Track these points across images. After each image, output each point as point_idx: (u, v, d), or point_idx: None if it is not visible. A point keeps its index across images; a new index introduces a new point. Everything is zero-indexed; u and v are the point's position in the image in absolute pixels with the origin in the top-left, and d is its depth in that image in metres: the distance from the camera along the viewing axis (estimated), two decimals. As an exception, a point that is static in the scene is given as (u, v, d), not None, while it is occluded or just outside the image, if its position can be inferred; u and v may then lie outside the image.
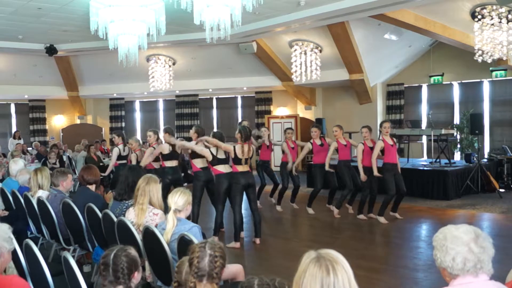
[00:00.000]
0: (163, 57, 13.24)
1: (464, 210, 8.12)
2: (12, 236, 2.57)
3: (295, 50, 11.41)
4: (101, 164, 10.88)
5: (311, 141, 7.87)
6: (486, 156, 11.34)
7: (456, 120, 12.62)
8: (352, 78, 12.33)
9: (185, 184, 9.01)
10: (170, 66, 13.36)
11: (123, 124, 17.65)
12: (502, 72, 11.55)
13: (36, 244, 3.07)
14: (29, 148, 14.27)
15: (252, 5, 5.90)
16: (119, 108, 17.69)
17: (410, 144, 11.54)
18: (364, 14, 9.19)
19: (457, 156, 12.22)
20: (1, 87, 14.53)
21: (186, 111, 16.93)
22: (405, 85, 13.77)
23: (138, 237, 3.55)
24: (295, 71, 11.33)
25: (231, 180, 6.08)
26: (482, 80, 12.33)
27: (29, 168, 6.42)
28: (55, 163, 11.08)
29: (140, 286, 3.29)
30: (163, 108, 17.79)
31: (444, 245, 1.90)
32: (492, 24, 8.54)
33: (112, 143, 10.26)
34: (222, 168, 6.16)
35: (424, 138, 12.32)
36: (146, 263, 3.55)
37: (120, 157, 8.10)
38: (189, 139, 7.17)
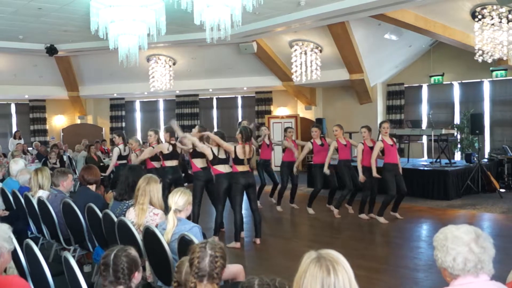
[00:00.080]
0: (163, 57, 13.25)
1: (465, 210, 8.12)
2: (12, 236, 2.57)
3: (295, 50, 11.41)
4: (101, 164, 10.89)
5: (312, 140, 7.87)
6: (486, 156, 11.34)
7: (457, 120, 12.62)
8: (352, 78, 12.33)
9: (186, 184, 9.01)
10: (170, 66, 13.37)
11: (124, 124, 17.65)
12: (503, 72, 11.54)
13: (37, 244, 3.07)
14: (30, 148, 14.27)
15: (252, 5, 5.90)
16: (120, 108, 17.69)
17: (411, 144, 11.54)
18: (364, 14, 9.19)
19: (458, 156, 12.22)
20: (2, 87, 14.54)
21: (186, 111, 16.93)
22: (405, 85, 13.76)
23: (139, 237, 3.55)
24: (295, 71, 11.33)
25: (231, 180, 6.08)
26: (483, 80, 12.33)
27: (30, 168, 6.43)
28: (55, 163, 11.08)
29: (141, 286, 3.29)
30: (163, 108, 17.80)
31: (445, 245, 1.90)
32: (493, 24, 8.54)
33: (113, 143, 10.28)
34: (222, 168, 6.15)
35: (425, 138, 12.31)
36: (147, 263, 3.55)
37: (120, 157, 8.10)
38: None
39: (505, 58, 9.14)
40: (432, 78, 12.87)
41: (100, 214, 4.16)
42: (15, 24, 9.93)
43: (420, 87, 13.58)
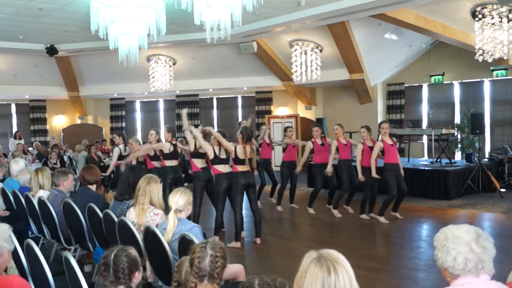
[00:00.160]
0: (163, 57, 13.25)
1: (465, 210, 8.11)
2: (12, 235, 2.57)
3: (296, 50, 11.41)
4: (101, 164, 10.90)
5: (312, 140, 7.87)
6: (487, 155, 11.33)
7: (457, 119, 12.62)
8: (353, 77, 12.33)
9: (186, 184, 9.01)
10: (170, 66, 13.37)
11: (124, 124, 17.65)
12: (503, 71, 11.53)
13: (37, 244, 3.07)
14: (30, 148, 14.27)
15: (252, 5, 5.90)
16: (120, 108, 17.69)
17: (411, 144, 11.54)
18: (365, 14, 9.19)
19: (458, 155, 12.22)
20: (2, 87, 14.55)
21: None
22: (405, 85, 13.76)
23: (139, 237, 3.55)
24: (296, 71, 11.33)
25: (231, 180, 6.08)
26: (483, 79, 12.32)
27: (30, 168, 6.42)
28: (55, 163, 11.08)
29: (141, 286, 3.29)
30: (163, 108, 17.79)
31: (445, 245, 1.89)
32: (493, 24, 8.53)
33: (113, 143, 10.27)
34: (222, 168, 6.15)
35: (425, 138, 12.32)
36: (147, 263, 3.55)
37: (120, 157, 8.10)
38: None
39: (505, 58, 9.14)
40: (432, 78, 12.86)
41: (101, 214, 4.16)
42: (15, 24, 9.94)
43: (420, 86, 13.58)
